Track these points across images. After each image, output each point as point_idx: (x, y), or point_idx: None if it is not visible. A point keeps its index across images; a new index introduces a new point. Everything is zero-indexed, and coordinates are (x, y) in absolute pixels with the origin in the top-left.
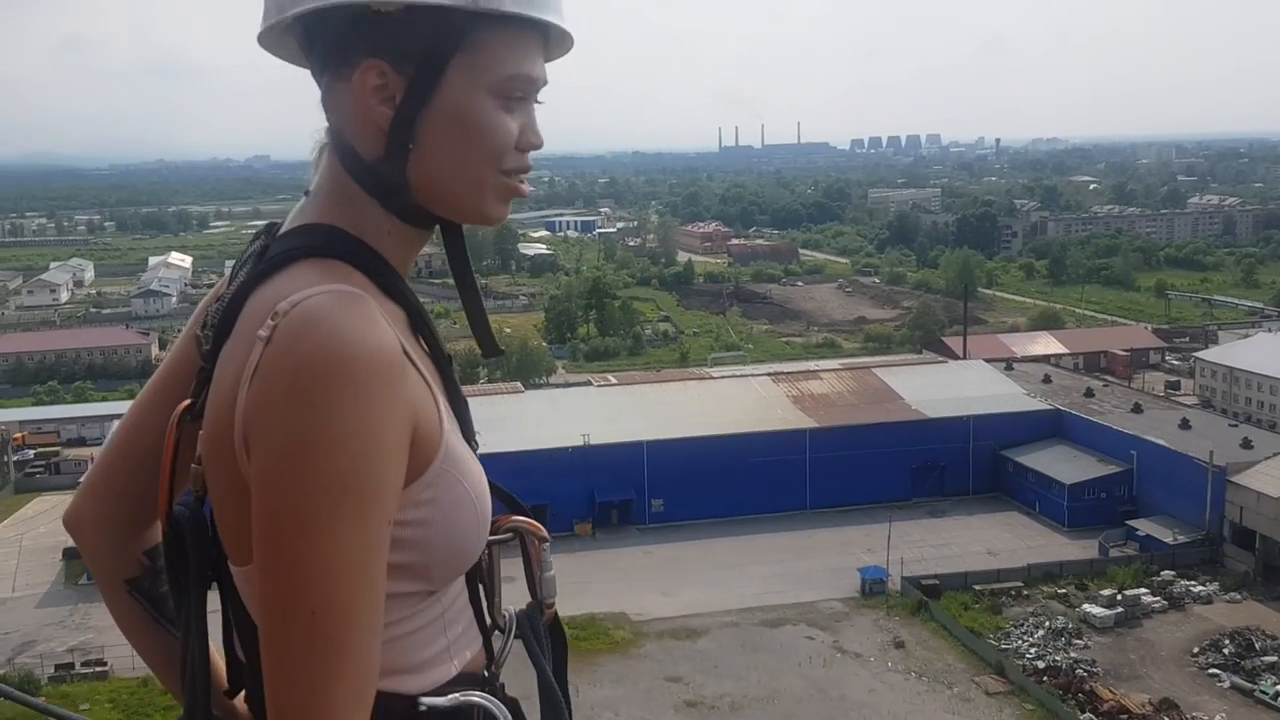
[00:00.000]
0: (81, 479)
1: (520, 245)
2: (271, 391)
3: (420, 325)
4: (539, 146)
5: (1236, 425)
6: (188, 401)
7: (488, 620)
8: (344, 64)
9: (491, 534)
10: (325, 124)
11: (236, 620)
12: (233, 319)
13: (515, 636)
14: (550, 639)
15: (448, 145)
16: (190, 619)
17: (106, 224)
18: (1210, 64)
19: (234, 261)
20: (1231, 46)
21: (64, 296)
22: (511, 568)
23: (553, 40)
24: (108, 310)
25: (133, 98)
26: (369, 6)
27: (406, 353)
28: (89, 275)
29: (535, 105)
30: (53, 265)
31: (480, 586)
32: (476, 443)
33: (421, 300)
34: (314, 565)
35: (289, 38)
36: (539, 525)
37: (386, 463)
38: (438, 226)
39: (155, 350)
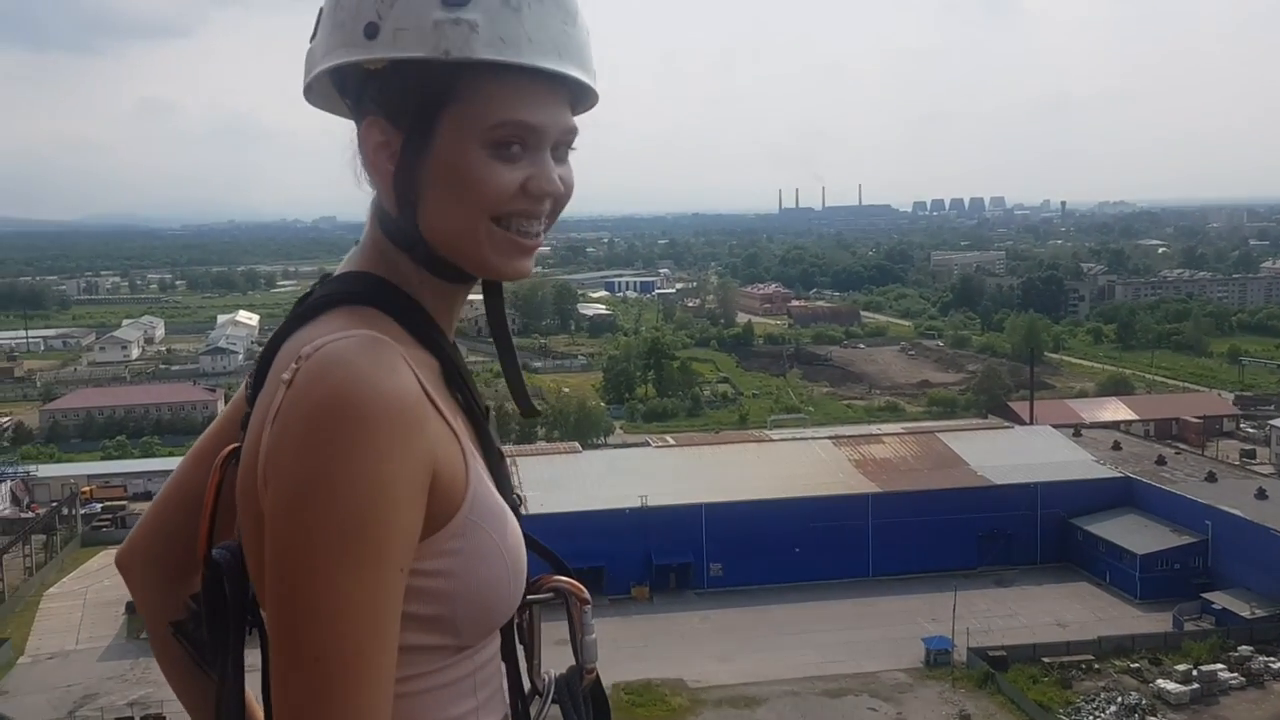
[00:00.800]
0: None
1: (579, 305)
2: (287, 433)
3: (454, 377)
4: (551, 194)
5: None
6: (234, 445)
7: (526, 683)
8: (359, 121)
9: (532, 593)
10: None
11: None
12: (269, 364)
13: (553, 701)
14: (591, 705)
15: (441, 197)
16: (227, 664)
17: (178, 283)
18: None
19: None
20: None
21: (135, 353)
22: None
23: (575, 86)
24: (176, 367)
25: (206, 160)
26: (360, 65)
27: (434, 402)
28: (159, 332)
29: (568, 152)
30: (125, 322)
31: (519, 648)
32: (518, 498)
33: (481, 358)
34: (321, 609)
35: (336, 94)
36: (581, 586)
37: (398, 508)
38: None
39: (221, 406)
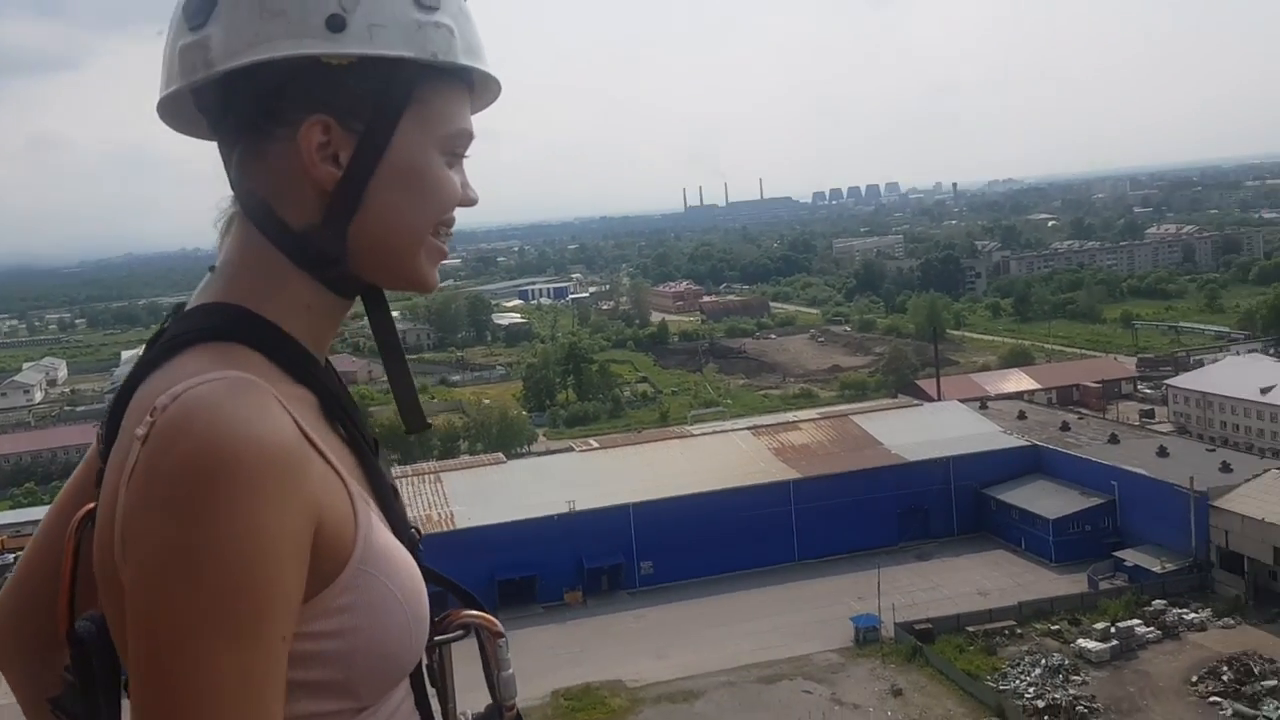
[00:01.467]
0: None
1: (494, 315)
2: (146, 495)
3: (335, 410)
4: (476, 202)
5: (1214, 449)
6: (89, 506)
7: None
8: (277, 122)
9: (441, 632)
10: (232, 194)
11: None
12: (122, 413)
13: None
14: None
15: (396, 205)
16: None
17: (78, 321)
18: (1157, 99)
19: None
20: (1177, 82)
21: (37, 396)
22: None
23: (476, 94)
24: (82, 408)
25: (101, 194)
26: (316, 59)
27: (313, 442)
28: (62, 374)
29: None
30: (25, 366)
31: (431, 690)
32: (416, 533)
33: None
34: (192, 695)
35: (188, 104)
36: (493, 620)
37: (279, 571)
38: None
39: None
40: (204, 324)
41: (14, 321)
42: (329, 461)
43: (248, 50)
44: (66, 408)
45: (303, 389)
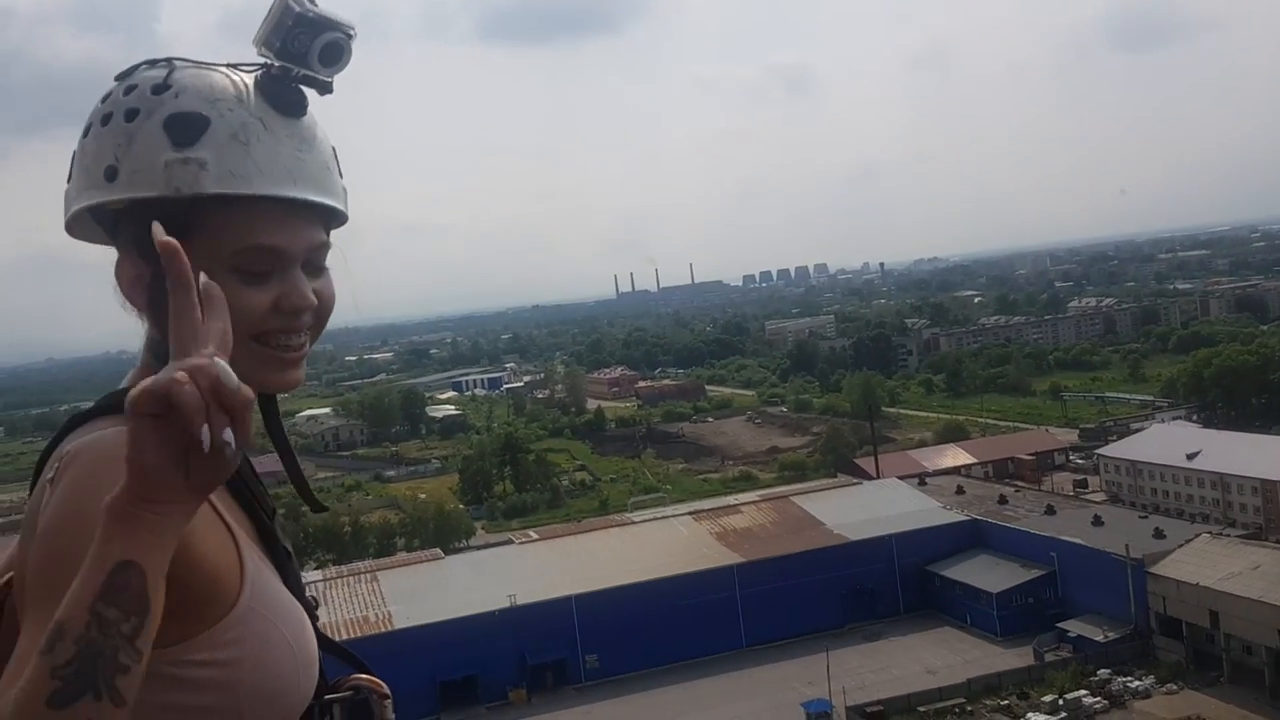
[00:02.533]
0: None
1: (428, 409)
2: (49, 511)
3: (234, 481)
4: (304, 308)
5: (1146, 517)
6: (11, 573)
7: None
8: (120, 256)
9: (332, 693)
10: None
11: None
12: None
13: None
14: None
15: None
16: None
17: None
18: (1071, 176)
19: None
20: (1089, 159)
21: None
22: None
23: (322, 205)
24: (1, 520)
25: (19, 299)
26: (107, 206)
27: (211, 502)
28: None
29: (323, 264)
30: None
31: None
32: (313, 600)
33: (331, 473)
34: (37, 626)
35: (100, 229)
36: (380, 683)
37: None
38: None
39: None
40: (111, 401)
41: None
42: (218, 512)
43: (75, 201)
44: None
45: None
